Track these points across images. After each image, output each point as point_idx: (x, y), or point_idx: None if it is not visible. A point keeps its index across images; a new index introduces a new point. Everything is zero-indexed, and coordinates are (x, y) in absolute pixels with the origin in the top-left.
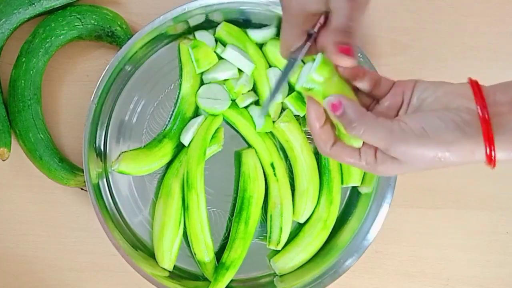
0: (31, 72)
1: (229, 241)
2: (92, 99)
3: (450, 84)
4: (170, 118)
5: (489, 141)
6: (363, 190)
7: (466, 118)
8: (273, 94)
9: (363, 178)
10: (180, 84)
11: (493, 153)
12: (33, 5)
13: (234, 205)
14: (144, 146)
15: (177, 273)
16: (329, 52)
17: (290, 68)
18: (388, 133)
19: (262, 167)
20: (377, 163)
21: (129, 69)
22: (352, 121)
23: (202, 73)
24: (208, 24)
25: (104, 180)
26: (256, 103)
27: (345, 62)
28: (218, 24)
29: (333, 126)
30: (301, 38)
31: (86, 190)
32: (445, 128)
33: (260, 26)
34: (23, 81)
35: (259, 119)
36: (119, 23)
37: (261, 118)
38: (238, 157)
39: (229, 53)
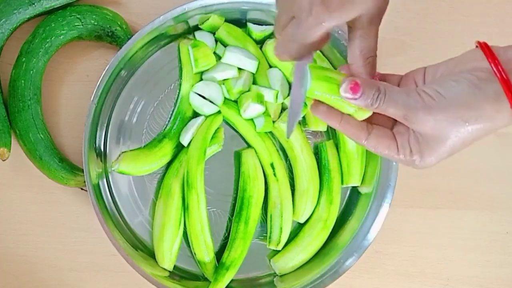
0: (31, 72)
1: (229, 241)
2: (92, 99)
3: (459, 56)
4: (170, 118)
5: None
6: (363, 190)
7: (481, 76)
8: (293, 107)
9: (363, 178)
10: (180, 84)
11: None
12: (33, 5)
13: (234, 205)
14: (144, 146)
15: (177, 273)
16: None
17: (300, 74)
18: (406, 97)
19: (262, 167)
20: (412, 152)
21: (127, 71)
22: (377, 90)
23: (202, 73)
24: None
25: (104, 180)
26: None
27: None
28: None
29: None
30: None
31: (86, 190)
32: (460, 89)
33: (260, 25)
34: (23, 81)
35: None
36: (119, 23)
37: (290, 134)
38: (238, 157)
39: (229, 57)
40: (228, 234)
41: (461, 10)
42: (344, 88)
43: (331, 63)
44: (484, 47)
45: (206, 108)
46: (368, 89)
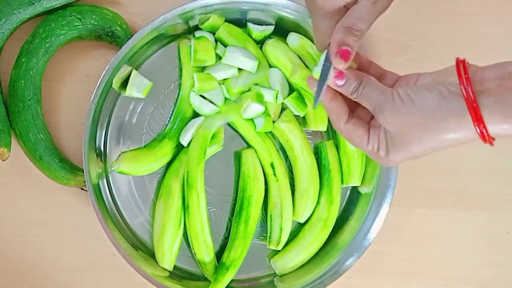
0: (31, 72)
1: (229, 241)
2: (92, 99)
3: (446, 67)
4: (170, 118)
5: (477, 119)
6: (363, 190)
7: (452, 90)
8: (320, 86)
9: (363, 178)
10: (180, 84)
11: (483, 130)
12: (33, 5)
13: (234, 205)
14: (144, 146)
15: (177, 273)
16: (331, 49)
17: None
18: (380, 94)
19: (262, 167)
20: (380, 147)
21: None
22: (359, 83)
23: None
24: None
25: (104, 180)
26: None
27: (340, 65)
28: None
29: (344, 103)
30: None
31: (86, 190)
32: (429, 96)
33: (260, 25)
34: (23, 81)
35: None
36: (119, 23)
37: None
38: (238, 157)
39: (229, 57)
40: (228, 234)
41: (461, 10)
42: (333, 56)
43: None
44: (458, 64)
45: (206, 108)
46: (351, 80)
